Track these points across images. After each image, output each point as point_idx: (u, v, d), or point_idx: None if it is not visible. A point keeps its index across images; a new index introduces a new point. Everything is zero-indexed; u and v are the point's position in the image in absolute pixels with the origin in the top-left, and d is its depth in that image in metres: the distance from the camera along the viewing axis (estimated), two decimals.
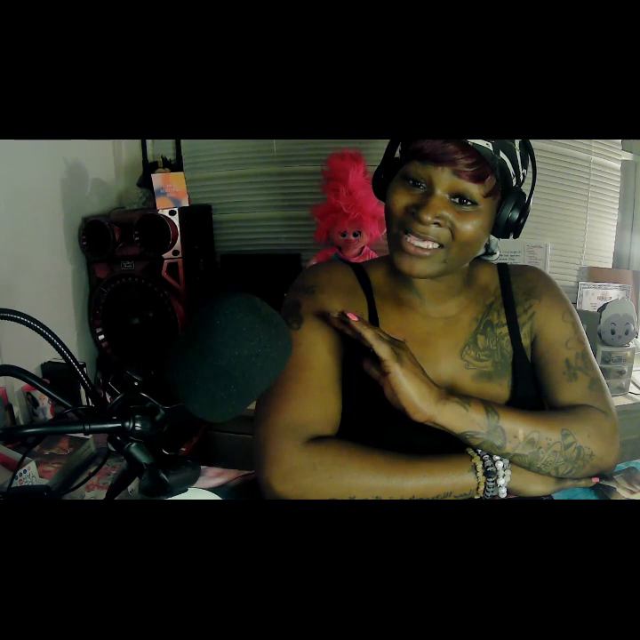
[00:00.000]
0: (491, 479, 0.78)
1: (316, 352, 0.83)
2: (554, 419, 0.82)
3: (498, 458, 0.79)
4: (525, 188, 0.86)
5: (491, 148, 0.77)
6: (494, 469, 0.78)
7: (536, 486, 0.81)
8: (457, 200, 0.78)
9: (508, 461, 0.79)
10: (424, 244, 0.79)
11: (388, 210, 0.83)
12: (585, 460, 0.81)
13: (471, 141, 0.75)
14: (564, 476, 0.82)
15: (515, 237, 0.86)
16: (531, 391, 0.91)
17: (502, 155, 0.78)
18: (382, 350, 0.75)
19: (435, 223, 0.77)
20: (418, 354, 0.82)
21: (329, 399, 0.82)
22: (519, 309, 0.92)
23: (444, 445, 0.81)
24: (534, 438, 0.78)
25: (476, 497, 0.79)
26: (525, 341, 0.92)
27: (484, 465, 0.78)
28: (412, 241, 0.79)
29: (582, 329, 0.93)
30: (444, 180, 0.77)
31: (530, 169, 0.87)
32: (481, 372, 0.90)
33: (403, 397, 0.76)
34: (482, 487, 0.78)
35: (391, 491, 0.75)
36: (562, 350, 0.89)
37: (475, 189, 0.77)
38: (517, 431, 0.78)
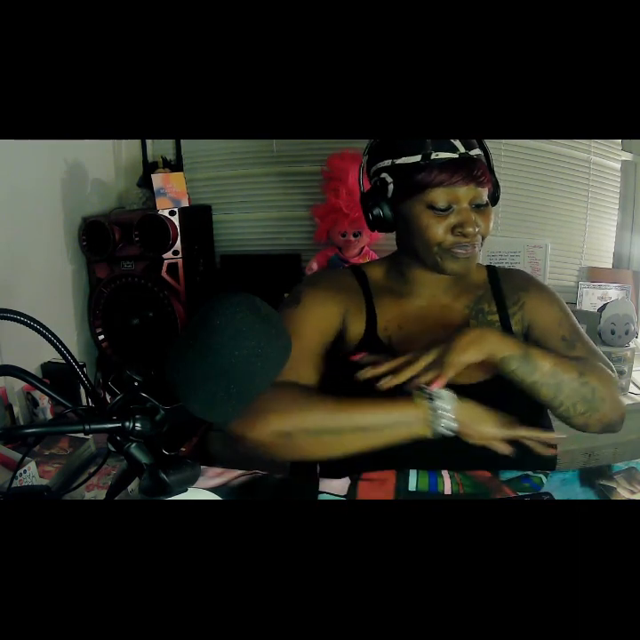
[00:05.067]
0: (434, 403, 0.82)
1: (305, 327, 0.94)
2: (570, 361, 0.90)
3: (441, 392, 0.83)
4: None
5: (480, 151, 0.90)
6: (438, 396, 0.82)
7: (485, 426, 0.84)
8: (474, 205, 0.90)
9: (452, 392, 0.83)
10: (472, 249, 0.91)
11: (424, 240, 0.91)
12: (597, 403, 0.88)
13: (473, 154, 0.88)
14: (582, 415, 0.88)
15: (493, 206, 0.97)
16: None
17: (481, 151, 0.91)
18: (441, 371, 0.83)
19: (476, 230, 0.90)
20: (415, 336, 0.96)
21: (306, 370, 0.92)
22: (509, 302, 1.02)
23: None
24: (558, 370, 0.86)
25: (428, 434, 0.82)
26: (516, 328, 1.00)
27: (428, 396, 0.83)
28: (465, 250, 0.91)
29: (571, 313, 1.02)
30: (468, 194, 0.89)
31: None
32: None
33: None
34: (428, 416, 0.81)
35: (341, 425, 0.83)
36: (556, 329, 0.98)
37: (485, 191, 0.91)
38: (545, 360, 0.86)
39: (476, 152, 0.89)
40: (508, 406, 0.90)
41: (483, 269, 1.07)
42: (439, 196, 0.88)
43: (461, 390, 0.91)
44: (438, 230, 0.90)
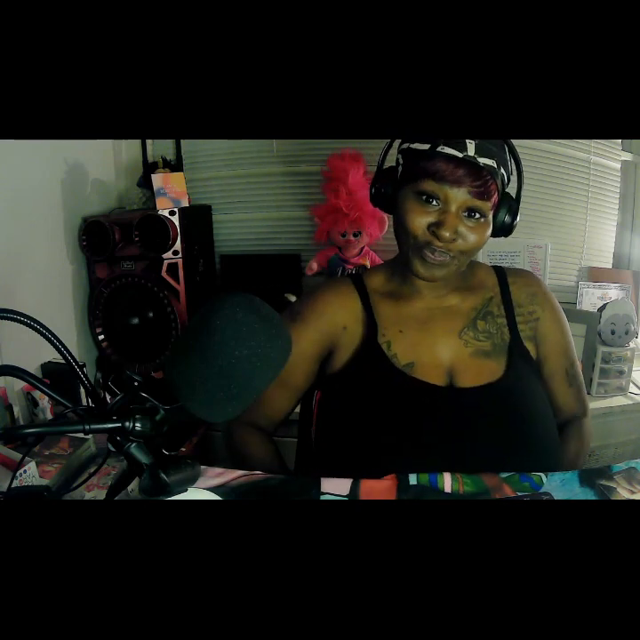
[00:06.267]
0: None
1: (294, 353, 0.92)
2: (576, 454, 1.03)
3: None
4: (511, 191, 0.94)
5: (495, 166, 0.85)
6: None
7: None
8: (467, 214, 0.87)
9: None
10: (442, 257, 0.88)
11: (403, 226, 0.90)
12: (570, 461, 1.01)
13: (482, 162, 0.83)
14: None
15: (505, 237, 0.96)
16: (522, 370, 0.97)
17: (502, 169, 0.87)
18: None
19: (452, 238, 0.86)
20: (416, 338, 0.95)
21: (279, 397, 1.02)
22: (521, 309, 1.00)
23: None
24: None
25: None
26: (524, 334, 0.99)
27: None
28: (433, 254, 0.88)
29: (570, 335, 1.06)
30: (459, 198, 0.85)
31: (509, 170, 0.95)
32: (479, 349, 0.96)
33: None
34: None
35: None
36: (562, 359, 1.03)
37: (484, 205, 0.86)
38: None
39: (485, 161, 0.84)
40: (513, 408, 0.91)
41: (491, 271, 1.05)
42: (428, 186, 0.86)
43: (467, 393, 0.92)
44: (415, 220, 0.87)
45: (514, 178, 0.94)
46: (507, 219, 0.91)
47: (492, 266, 1.07)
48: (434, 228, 0.86)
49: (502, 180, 0.88)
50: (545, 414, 0.95)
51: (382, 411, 0.91)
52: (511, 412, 0.91)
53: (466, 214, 0.87)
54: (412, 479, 0.86)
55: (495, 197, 0.88)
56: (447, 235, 0.85)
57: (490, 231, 0.90)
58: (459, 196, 0.85)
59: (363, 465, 0.88)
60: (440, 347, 0.96)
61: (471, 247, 0.88)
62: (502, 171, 0.87)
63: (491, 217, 0.89)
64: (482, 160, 0.84)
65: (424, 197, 0.87)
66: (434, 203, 0.86)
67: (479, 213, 0.87)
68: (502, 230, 0.93)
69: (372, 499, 0.83)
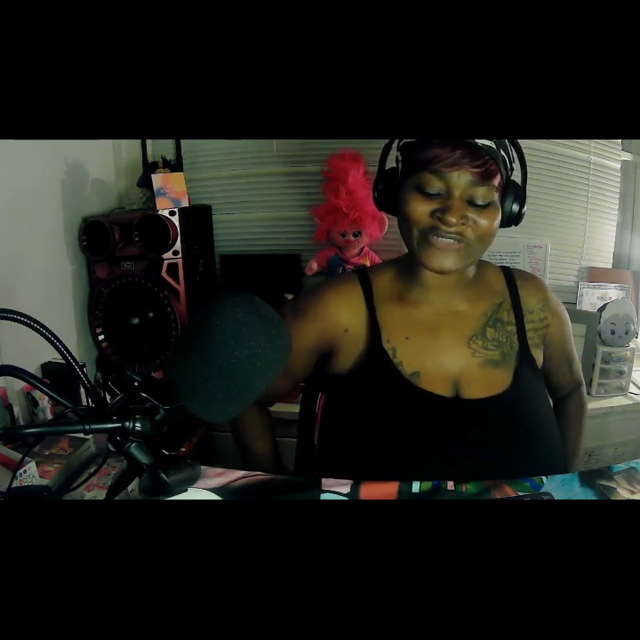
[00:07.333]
0: None
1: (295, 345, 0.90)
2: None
3: None
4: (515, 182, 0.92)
5: (494, 147, 0.82)
6: None
7: None
8: (472, 201, 0.83)
9: None
10: (452, 243, 0.84)
11: (406, 217, 0.87)
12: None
13: (479, 142, 0.81)
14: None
15: (515, 225, 0.93)
16: (528, 379, 0.95)
17: (502, 152, 0.85)
18: None
19: (461, 223, 0.83)
20: (423, 345, 0.92)
21: (277, 382, 1.04)
22: (533, 316, 0.99)
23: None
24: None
25: None
26: (532, 342, 0.98)
27: None
28: (441, 241, 0.84)
29: (570, 327, 1.08)
30: (461, 183, 0.83)
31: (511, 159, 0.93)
32: (488, 359, 0.94)
33: None
34: None
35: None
36: (563, 356, 1.06)
37: (488, 188, 0.83)
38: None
39: (483, 141, 0.81)
40: (518, 419, 0.90)
41: (499, 272, 1.02)
42: (428, 180, 0.83)
43: (475, 404, 0.91)
44: (417, 208, 0.84)
45: (517, 166, 0.91)
46: (514, 206, 0.89)
47: (500, 266, 1.04)
48: (439, 213, 0.83)
49: (504, 164, 0.85)
50: (548, 421, 0.95)
51: (388, 419, 0.90)
52: (516, 423, 0.90)
53: (471, 202, 0.83)
54: (415, 487, 0.85)
55: (499, 180, 0.85)
56: (453, 220, 0.82)
57: (499, 217, 0.87)
58: (460, 181, 0.82)
59: (366, 471, 0.88)
60: (447, 355, 0.93)
61: (484, 232, 0.85)
62: (502, 153, 0.84)
63: (498, 201, 0.86)
64: (479, 140, 0.81)
65: (425, 191, 0.84)
66: (435, 194, 0.83)
67: (485, 198, 0.84)
68: (511, 219, 0.90)
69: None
